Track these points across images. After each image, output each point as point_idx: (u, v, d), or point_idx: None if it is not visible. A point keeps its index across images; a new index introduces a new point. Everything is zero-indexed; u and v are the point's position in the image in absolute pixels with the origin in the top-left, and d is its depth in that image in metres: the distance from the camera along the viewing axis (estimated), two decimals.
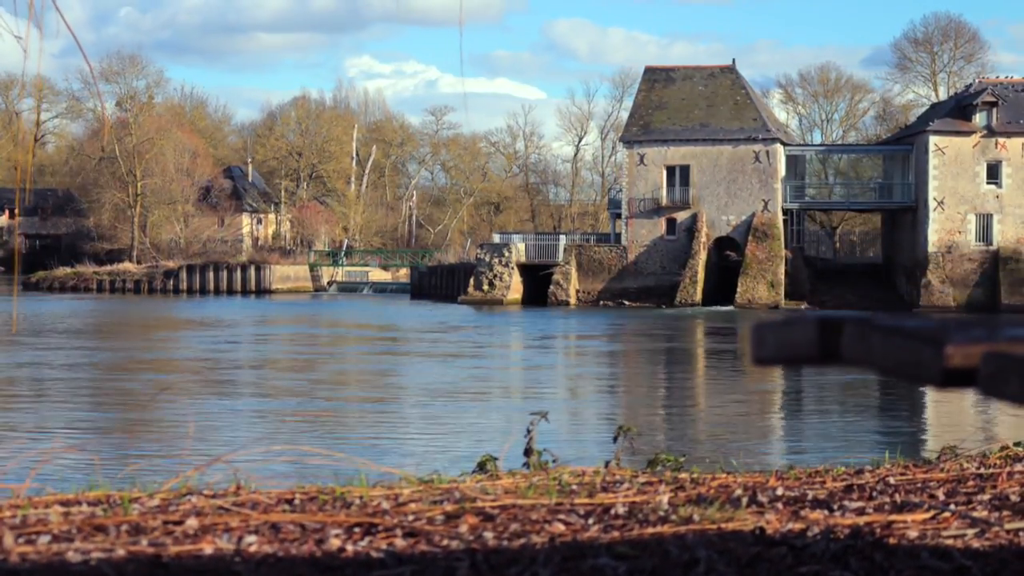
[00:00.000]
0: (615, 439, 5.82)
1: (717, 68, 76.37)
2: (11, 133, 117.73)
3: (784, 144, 74.06)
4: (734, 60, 77.28)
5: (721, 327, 54.08)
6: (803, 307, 68.42)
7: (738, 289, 68.74)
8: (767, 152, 71.33)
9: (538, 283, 72.54)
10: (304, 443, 16.79)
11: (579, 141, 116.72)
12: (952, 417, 23.56)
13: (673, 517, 3.93)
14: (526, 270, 73.17)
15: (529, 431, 5.94)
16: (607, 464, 5.44)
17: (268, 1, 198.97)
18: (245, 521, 3.81)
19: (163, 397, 21.03)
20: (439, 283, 79.51)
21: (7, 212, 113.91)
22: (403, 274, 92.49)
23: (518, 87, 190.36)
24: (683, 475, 5.21)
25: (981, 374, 1.74)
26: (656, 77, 75.94)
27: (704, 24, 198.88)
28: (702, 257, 70.00)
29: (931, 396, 28.23)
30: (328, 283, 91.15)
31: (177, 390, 23.01)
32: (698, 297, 68.45)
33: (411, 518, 3.90)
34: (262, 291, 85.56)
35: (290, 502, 4.27)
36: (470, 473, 5.98)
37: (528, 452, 5.85)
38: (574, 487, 4.85)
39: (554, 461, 5.80)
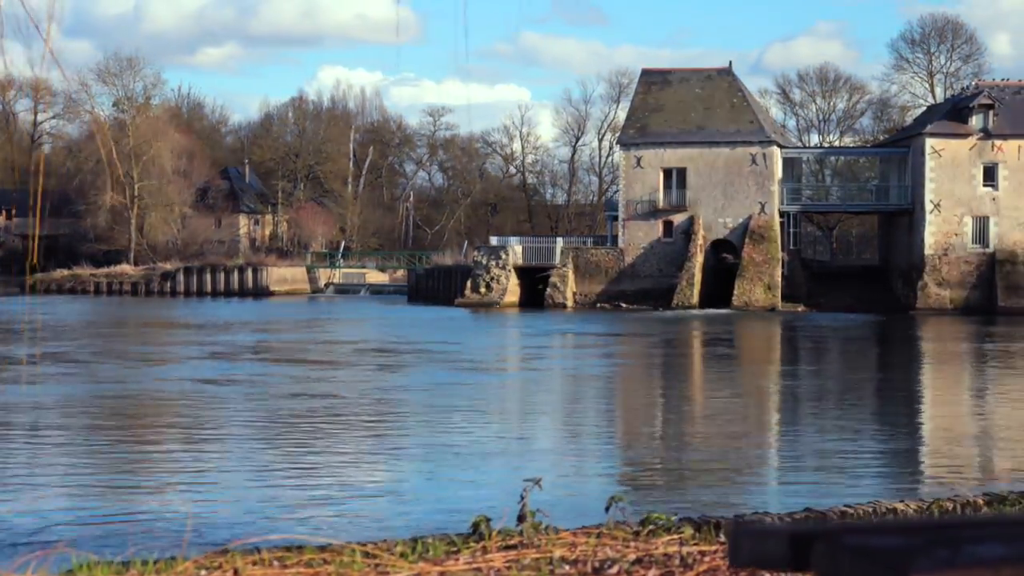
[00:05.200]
0: (607, 509, 5.90)
1: (714, 71, 76.35)
2: (8, 134, 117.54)
3: (781, 146, 74.10)
4: (731, 62, 77.35)
5: (718, 330, 54.14)
6: (800, 309, 68.49)
7: (735, 291, 68.77)
8: (764, 154, 71.38)
9: (535, 285, 72.56)
10: (302, 484, 16.81)
11: (576, 142, 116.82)
12: (950, 441, 23.59)
13: None
14: (523, 272, 73.16)
15: (523, 497, 6.02)
16: (599, 535, 5.52)
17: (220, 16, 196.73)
18: None
19: (156, 442, 21.00)
20: (436, 285, 79.49)
21: (3, 213, 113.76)
22: (400, 275, 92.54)
23: (495, 90, 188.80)
24: (673, 549, 5.28)
25: None
26: (653, 79, 76.00)
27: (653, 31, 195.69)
28: (699, 259, 70.00)
29: (928, 416, 28.31)
30: (325, 285, 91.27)
31: (169, 428, 22.98)
32: (695, 299, 68.45)
33: None
34: (260, 293, 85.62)
35: None
36: (463, 537, 6.05)
37: (521, 518, 5.93)
38: (566, 566, 4.93)
39: (546, 528, 5.88)
